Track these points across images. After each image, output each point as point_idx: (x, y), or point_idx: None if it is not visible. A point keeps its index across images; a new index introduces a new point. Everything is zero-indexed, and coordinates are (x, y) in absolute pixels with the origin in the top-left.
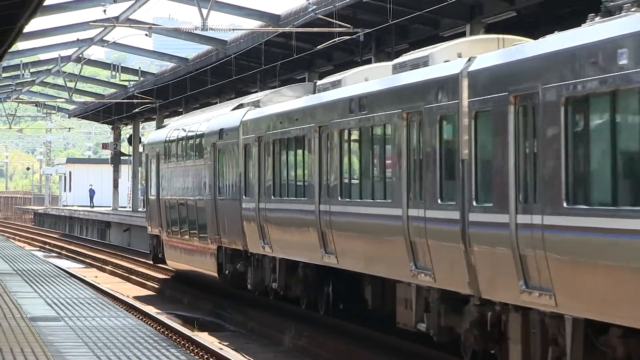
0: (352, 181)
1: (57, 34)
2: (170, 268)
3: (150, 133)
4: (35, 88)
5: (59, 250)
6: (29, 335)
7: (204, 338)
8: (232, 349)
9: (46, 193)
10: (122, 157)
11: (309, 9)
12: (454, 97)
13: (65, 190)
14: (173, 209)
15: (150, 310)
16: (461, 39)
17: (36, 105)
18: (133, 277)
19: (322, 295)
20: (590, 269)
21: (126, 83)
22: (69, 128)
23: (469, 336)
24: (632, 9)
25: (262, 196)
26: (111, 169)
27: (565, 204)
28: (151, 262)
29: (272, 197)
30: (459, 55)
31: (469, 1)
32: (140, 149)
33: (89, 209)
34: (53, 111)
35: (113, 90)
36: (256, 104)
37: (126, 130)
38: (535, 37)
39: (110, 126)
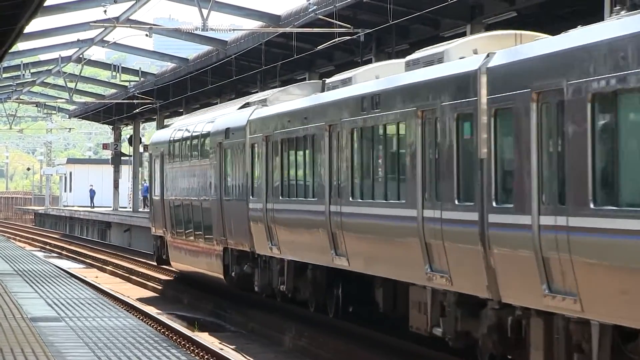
0: (364, 181)
1: (58, 34)
2: (170, 268)
3: (153, 133)
4: (35, 88)
5: (59, 251)
6: (29, 335)
7: (205, 338)
8: (233, 350)
9: (46, 193)
10: (122, 158)
11: (309, 10)
12: (471, 94)
13: (65, 191)
14: (178, 210)
15: (151, 310)
16: (477, 35)
17: (37, 106)
18: (133, 277)
19: (332, 297)
20: (619, 272)
21: (126, 83)
22: (70, 128)
23: (486, 341)
24: None
25: (269, 196)
26: (111, 169)
27: (592, 205)
28: (152, 263)
29: (280, 197)
30: (475, 52)
31: (469, 1)
32: (141, 149)
33: (89, 209)
34: (53, 111)
35: (113, 91)
36: (263, 103)
37: (126, 131)
38: None
39: (111, 127)
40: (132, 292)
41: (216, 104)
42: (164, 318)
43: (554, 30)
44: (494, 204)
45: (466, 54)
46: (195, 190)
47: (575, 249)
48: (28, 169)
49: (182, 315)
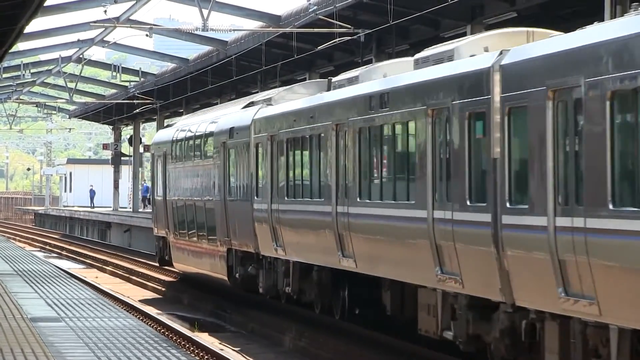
0: (372, 181)
1: (58, 34)
2: (171, 269)
3: (153, 133)
4: (35, 89)
5: (59, 251)
6: (29, 335)
7: (205, 339)
8: (233, 350)
9: (47, 193)
10: (122, 158)
11: (310, 10)
12: (484, 93)
13: (65, 191)
14: (180, 210)
15: (151, 310)
16: (488, 32)
17: (37, 106)
18: (133, 277)
19: (338, 299)
20: (639, 275)
21: (127, 84)
22: (70, 129)
23: (498, 345)
24: None
25: (274, 197)
26: (112, 169)
27: (611, 206)
28: (152, 263)
29: (286, 198)
30: (486, 49)
31: (469, 2)
32: (141, 149)
33: (89, 209)
34: (53, 112)
35: (113, 91)
36: (268, 102)
37: (127, 131)
38: None
39: (111, 127)
40: (132, 293)
41: (216, 104)
42: (164, 318)
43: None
44: (507, 204)
45: (477, 52)
46: (198, 191)
47: (593, 251)
48: (28, 169)
49: (182, 316)
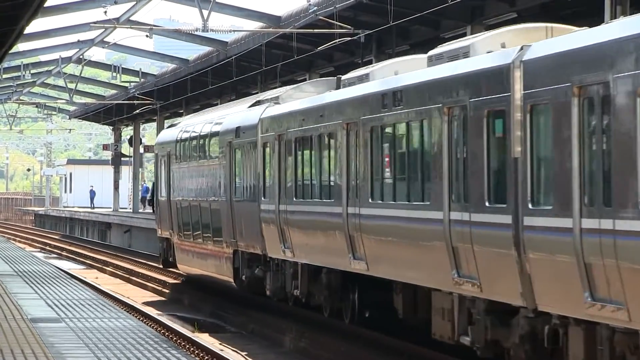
0: (385, 182)
1: (58, 35)
2: (172, 270)
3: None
4: (35, 89)
5: (59, 252)
6: (29, 336)
7: (205, 339)
8: (233, 350)
9: (47, 194)
10: (122, 159)
11: (310, 10)
12: (504, 90)
13: (65, 192)
14: (185, 211)
15: (151, 311)
16: (504, 28)
17: (37, 107)
18: (134, 278)
19: (347, 302)
20: None
21: (127, 84)
22: (70, 129)
23: (518, 351)
24: None
25: (282, 198)
26: (112, 170)
27: None
28: (152, 264)
29: (294, 198)
30: (503, 46)
31: (469, 2)
32: (141, 150)
33: (89, 210)
34: (54, 112)
35: (114, 92)
36: (275, 101)
37: (127, 132)
38: None
39: (111, 127)
40: (132, 293)
41: (217, 104)
42: (164, 319)
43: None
44: (529, 205)
45: (493, 48)
46: (203, 191)
47: (622, 254)
48: (28, 170)
49: (182, 316)
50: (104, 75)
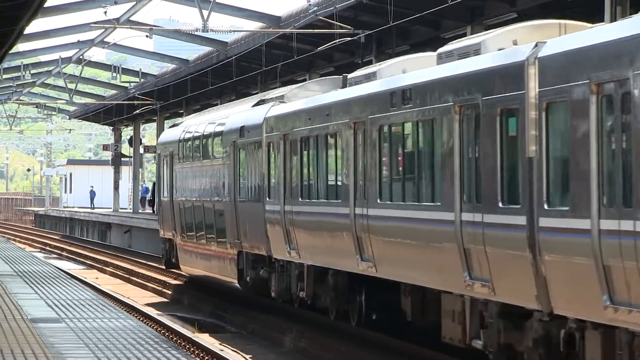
0: (394, 182)
1: (58, 35)
2: (173, 270)
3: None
4: (35, 89)
5: (59, 252)
6: (29, 336)
7: (205, 339)
8: (233, 350)
9: (47, 194)
10: (122, 159)
11: (310, 11)
12: (518, 87)
13: (65, 192)
14: (188, 212)
15: (151, 311)
16: (516, 25)
17: (37, 107)
18: (134, 278)
19: (354, 304)
20: None
21: (127, 84)
22: (70, 129)
23: (532, 355)
24: None
25: (287, 198)
26: (112, 170)
27: None
28: (152, 264)
29: (300, 199)
30: (515, 43)
31: (469, 3)
32: (141, 150)
33: (89, 210)
34: (54, 112)
35: (114, 92)
36: (281, 100)
37: (127, 132)
38: None
39: (111, 127)
40: (132, 293)
41: (217, 105)
42: (164, 319)
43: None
44: (545, 206)
45: (505, 45)
46: (207, 191)
47: None
48: (28, 170)
49: (182, 317)
50: (104, 76)
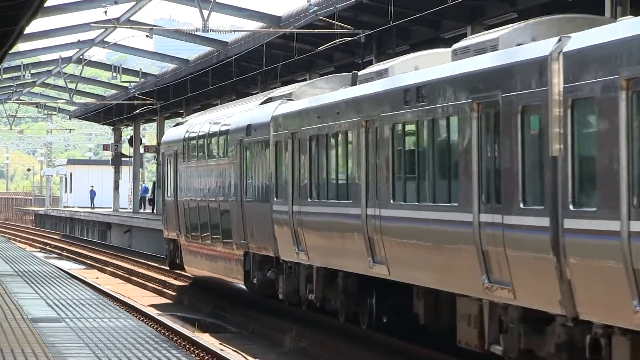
0: (408, 182)
1: (58, 35)
2: (174, 271)
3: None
4: (36, 89)
5: (59, 252)
6: (29, 336)
7: (205, 339)
8: (233, 350)
9: (47, 194)
10: (122, 159)
11: (310, 11)
12: (541, 84)
13: (65, 192)
14: (193, 212)
15: (151, 311)
16: (536, 19)
17: (37, 107)
18: (134, 278)
19: (364, 307)
20: None
21: (127, 84)
22: (70, 129)
23: None
24: None
25: (296, 198)
26: (112, 170)
27: None
28: (152, 264)
29: (309, 199)
30: (534, 38)
31: (470, 3)
32: (141, 150)
33: (89, 210)
34: (54, 112)
35: (114, 92)
36: (288, 97)
37: (127, 132)
38: None
39: (111, 127)
40: (132, 293)
41: (217, 104)
42: (164, 319)
43: None
44: (570, 207)
45: (524, 40)
46: (212, 191)
47: None
48: (28, 170)
49: (182, 316)
50: (104, 76)
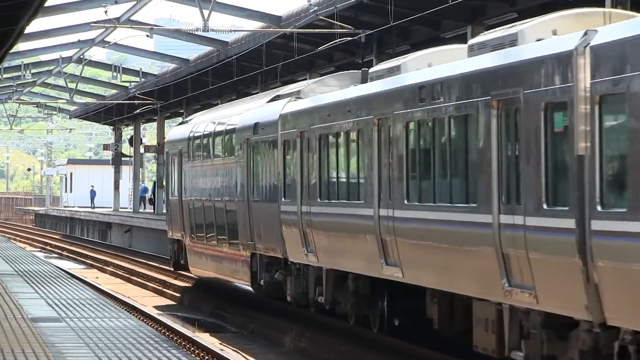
0: (423, 182)
1: (59, 34)
2: (174, 271)
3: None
4: (36, 89)
5: (59, 251)
6: (30, 335)
7: (205, 339)
8: (233, 350)
9: (47, 194)
10: (123, 158)
11: (310, 10)
12: (566, 79)
13: (66, 191)
14: (198, 212)
15: (151, 311)
16: (555, 14)
17: (37, 106)
18: (134, 278)
19: (376, 310)
20: None
21: (127, 84)
22: (70, 129)
23: None
24: None
25: (305, 198)
26: (112, 170)
27: None
28: (152, 263)
29: (318, 199)
30: (554, 33)
31: (470, 3)
32: (142, 150)
33: (89, 209)
34: (54, 112)
35: (114, 91)
36: (297, 95)
37: (127, 132)
38: None
39: (111, 127)
40: (132, 293)
41: (217, 104)
42: (164, 319)
43: None
44: (598, 208)
45: (544, 36)
46: (218, 191)
47: None
48: (28, 170)
49: (182, 316)
50: (105, 75)
